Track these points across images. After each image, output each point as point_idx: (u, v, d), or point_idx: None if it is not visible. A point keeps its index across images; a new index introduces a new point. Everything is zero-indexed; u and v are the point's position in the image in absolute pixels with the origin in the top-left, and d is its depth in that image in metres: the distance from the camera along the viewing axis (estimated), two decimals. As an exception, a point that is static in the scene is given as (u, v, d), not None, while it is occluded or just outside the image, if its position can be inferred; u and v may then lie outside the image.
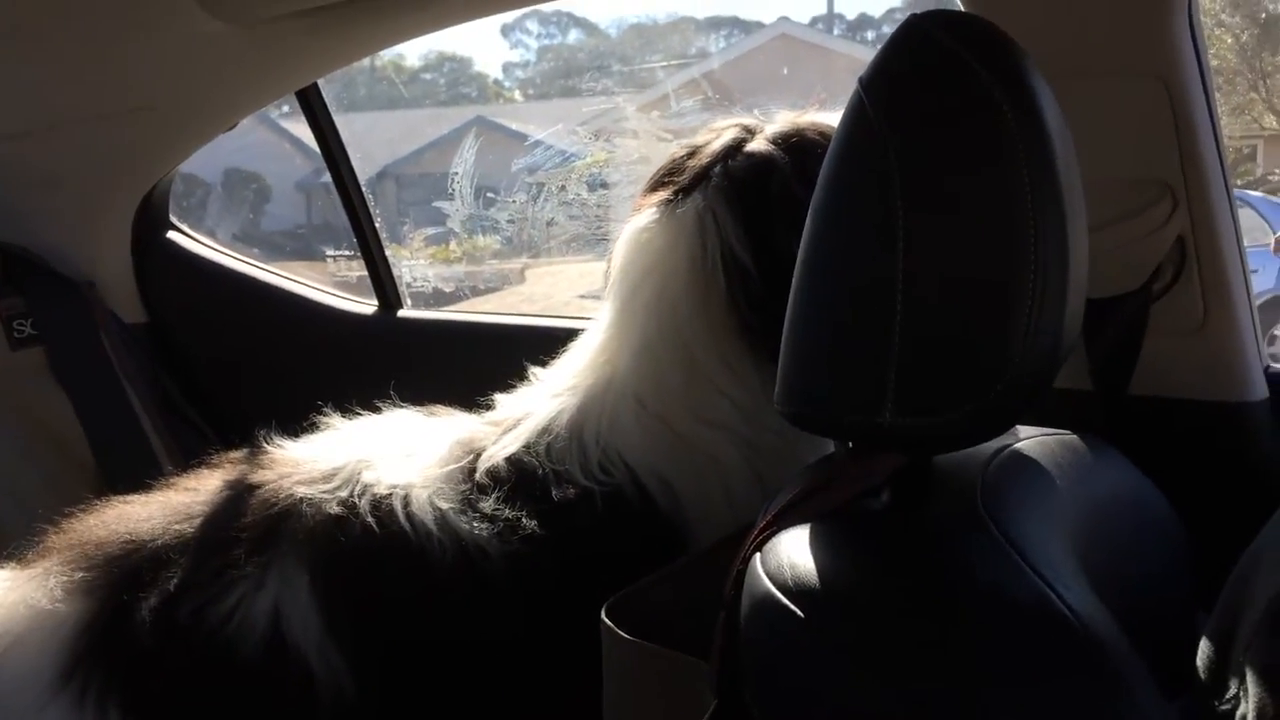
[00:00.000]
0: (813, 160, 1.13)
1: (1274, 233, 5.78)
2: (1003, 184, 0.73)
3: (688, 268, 1.19)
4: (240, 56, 1.83)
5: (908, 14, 0.81)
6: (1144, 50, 1.15)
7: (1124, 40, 1.16)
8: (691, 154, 1.25)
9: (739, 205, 1.18)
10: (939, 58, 0.76)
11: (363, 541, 1.12)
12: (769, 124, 1.24)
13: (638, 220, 1.25)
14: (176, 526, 1.16)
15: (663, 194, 1.24)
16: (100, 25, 1.75)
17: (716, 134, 1.25)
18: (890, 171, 0.75)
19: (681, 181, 1.23)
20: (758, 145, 1.21)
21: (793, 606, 0.73)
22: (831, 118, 1.22)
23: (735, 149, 1.22)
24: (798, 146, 1.19)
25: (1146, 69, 1.15)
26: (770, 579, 0.76)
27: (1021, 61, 0.76)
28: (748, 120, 1.26)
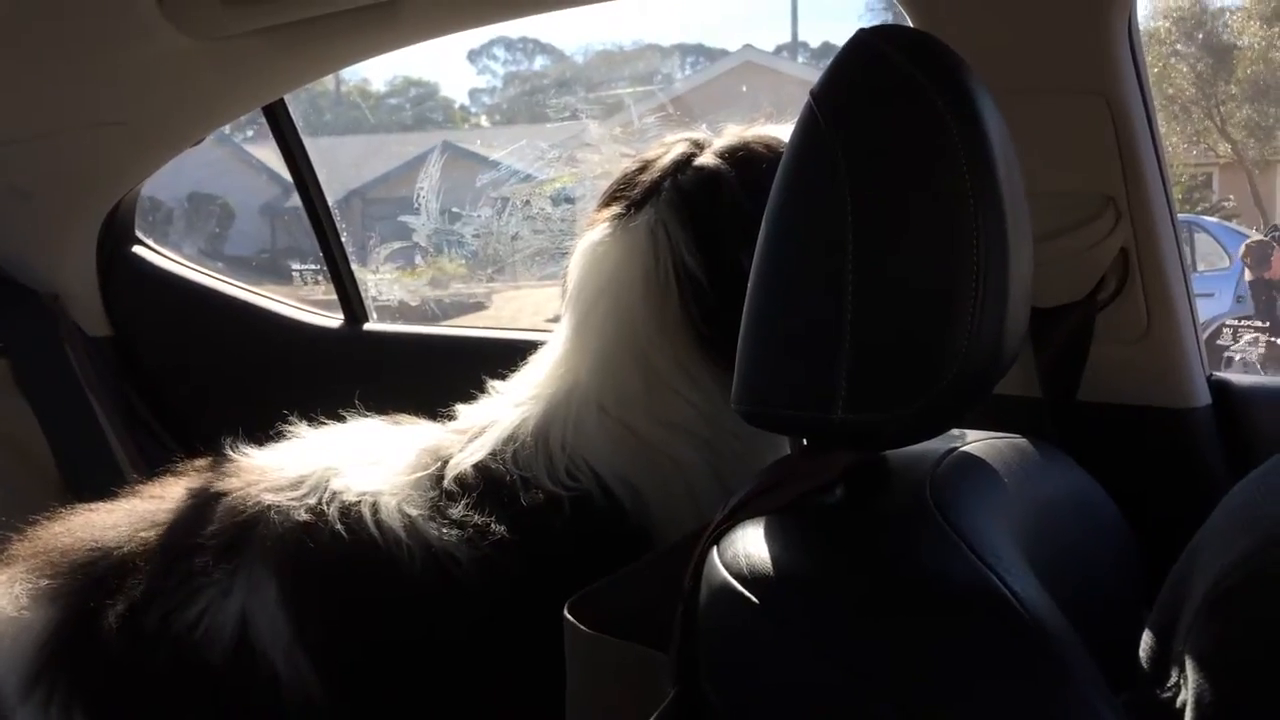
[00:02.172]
0: (758, 173, 1.17)
1: (1229, 257, 5.89)
2: (946, 190, 0.76)
3: (642, 280, 1.22)
4: (207, 72, 1.85)
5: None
6: (1086, 68, 1.19)
7: (1066, 58, 1.20)
8: (642, 169, 1.28)
9: (689, 218, 1.21)
10: (886, 70, 0.79)
11: (331, 548, 1.12)
12: (717, 138, 1.27)
13: (592, 235, 1.27)
14: (142, 534, 1.16)
15: (615, 208, 1.27)
16: (68, 40, 1.76)
17: (666, 149, 1.28)
18: (839, 178, 0.78)
19: (633, 196, 1.26)
20: (706, 159, 1.24)
21: (748, 594, 0.76)
22: (778, 130, 1.26)
23: (684, 163, 1.24)
24: (744, 160, 1.22)
25: (1088, 86, 1.19)
26: (727, 569, 0.79)
27: (965, 74, 0.80)
28: (696, 135, 1.28)
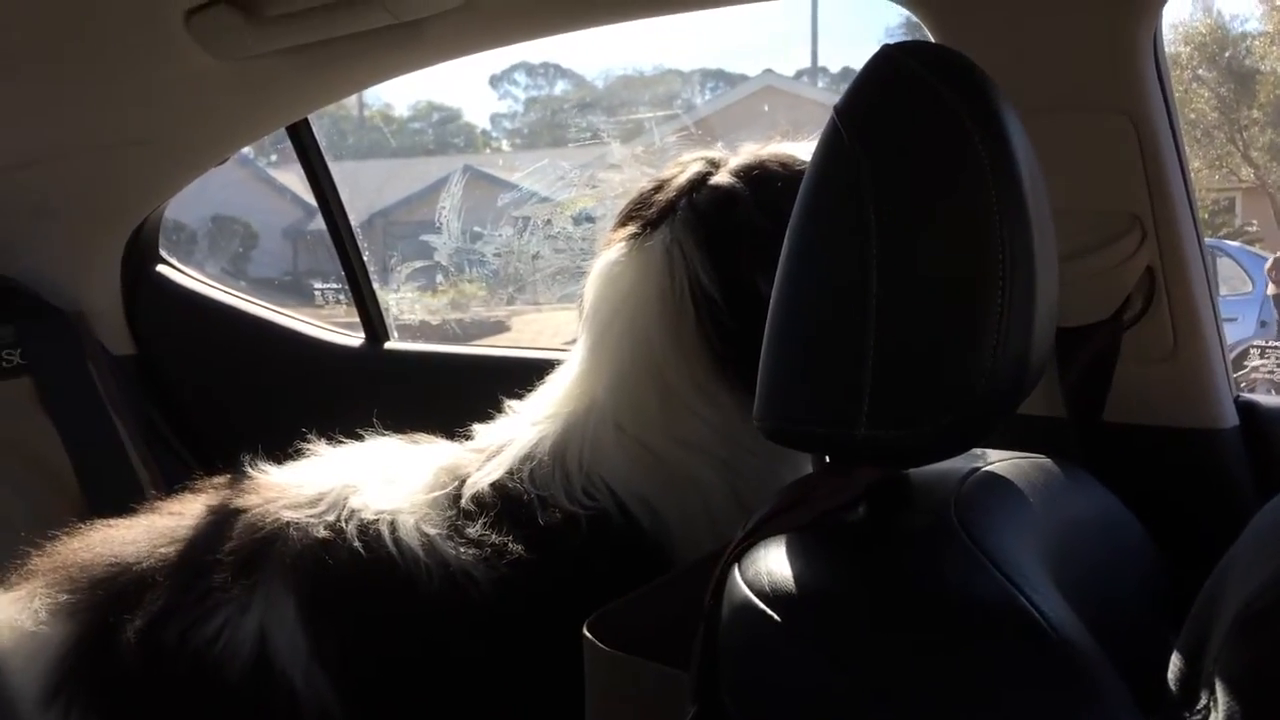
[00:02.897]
0: (773, 191, 1.17)
1: (1252, 281, 5.85)
2: (971, 206, 0.75)
3: (658, 299, 1.22)
4: (232, 92, 1.86)
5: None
6: (1111, 86, 1.18)
7: (1091, 77, 1.19)
8: (658, 188, 1.28)
9: (704, 238, 1.21)
10: (910, 85, 0.79)
11: (350, 566, 1.12)
12: (733, 157, 1.27)
13: (608, 255, 1.27)
14: (162, 549, 1.17)
15: (631, 228, 1.27)
16: (94, 60, 1.78)
17: (682, 168, 1.28)
18: (864, 193, 0.78)
19: (649, 216, 1.26)
20: (721, 178, 1.24)
21: (770, 612, 0.75)
22: (794, 147, 1.26)
23: (700, 182, 1.24)
24: (759, 179, 1.22)
25: (1114, 105, 1.19)
26: (749, 586, 0.78)
27: (989, 89, 0.79)
28: (712, 153, 1.29)
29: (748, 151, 1.27)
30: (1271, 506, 0.82)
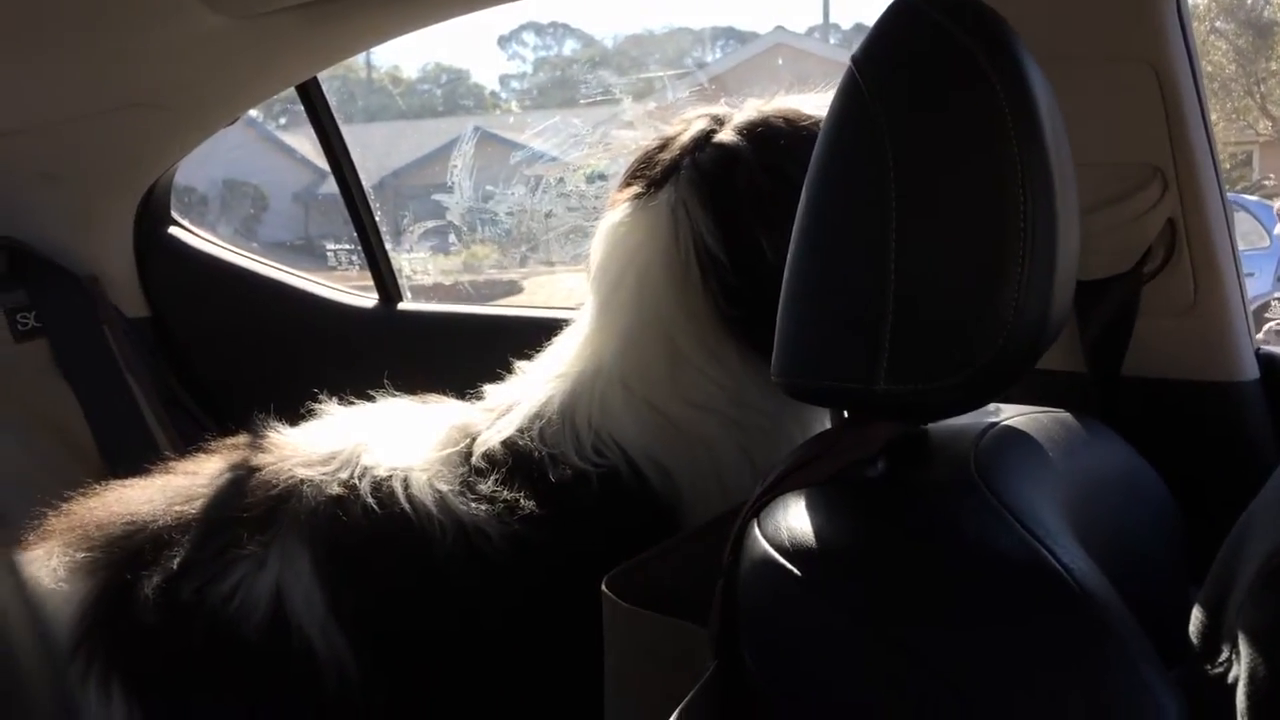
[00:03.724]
0: (776, 149, 1.16)
1: (1269, 236, 5.80)
2: (992, 155, 0.74)
3: (664, 260, 1.21)
4: (240, 51, 1.85)
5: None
6: (1133, 36, 1.16)
7: (1113, 26, 1.17)
8: (662, 146, 1.27)
9: (708, 197, 1.20)
10: (929, 33, 0.78)
11: (364, 522, 1.13)
12: (737, 113, 1.25)
13: (613, 215, 1.27)
14: (177, 508, 1.17)
15: (636, 188, 1.26)
16: (101, 22, 1.77)
17: (686, 125, 1.27)
18: (883, 144, 0.77)
19: (653, 175, 1.25)
20: (725, 136, 1.22)
21: (790, 566, 0.75)
22: (800, 101, 1.24)
23: (704, 140, 1.23)
24: (762, 135, 1.21)
25: (1135, 54, 1.17)
26: (768, 541, 0.77)
27: (1010, 37, 0.78)
28: (717, 109, 1.27)
29: (752, 107, 1.26)
30: None
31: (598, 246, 1.28)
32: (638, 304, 1.22)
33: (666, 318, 1.21)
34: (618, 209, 1.26)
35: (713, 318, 1.20)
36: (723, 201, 1.19)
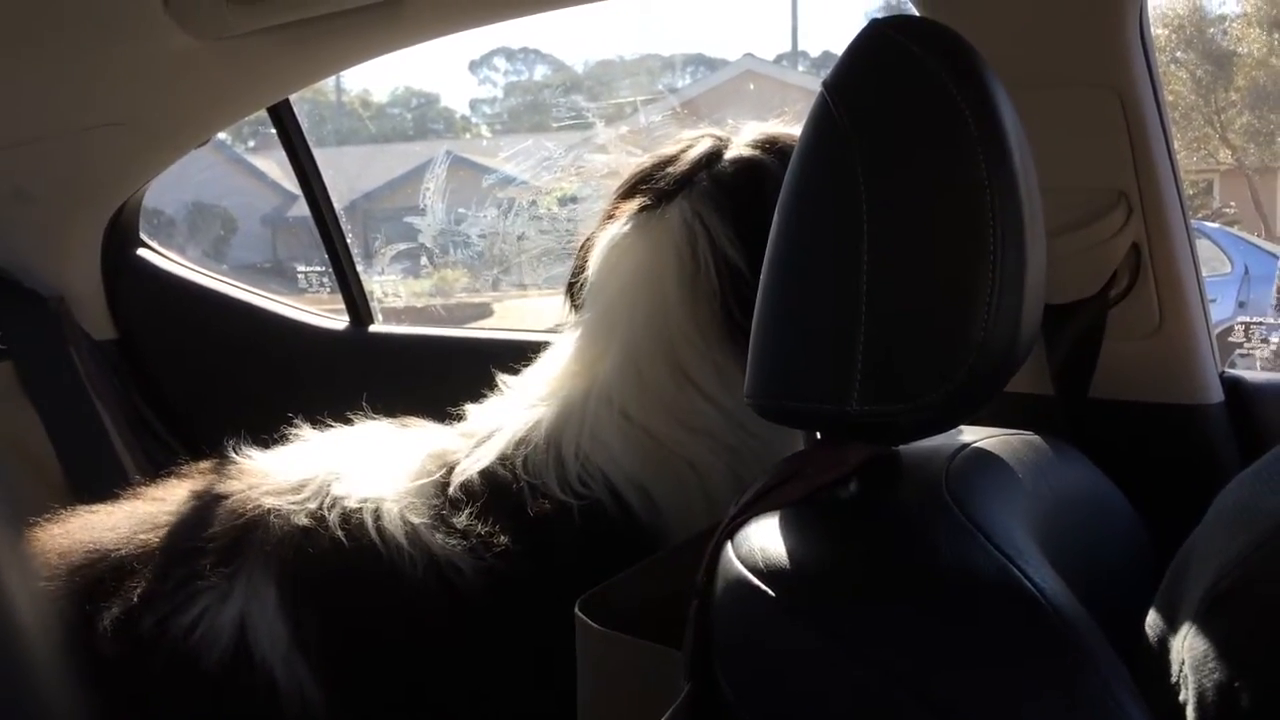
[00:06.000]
0: None
1: (1231, 262, 5.88)
2: (962, 180, 0.75)
3: (675, 274, 1.19)
4: (212, 72, 1.84)
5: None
6: (1097, 62, 1.18)
7: (1078, 52, 1.19)
8: (665, 163, 1.25)
9: (729, 208, 1.19)
10: (899, 59, 0.79)
11: (332, 554, 1.10)
12: (739, 134, 1.25)
13: (612, 229, 1.24)
14: (141, 536, 1.14)
15: (636, 202, 1.24)
16: (71, 40, 1.76)
17: (688, 144, 1.26)
18: (854, 168, 0.77)
19: (660, 188, 1.23)
20: (742, 151, 1.22)
21: (764, 587, 0.75)
22: (798, 129, 1.25)
23: (715, 155, 1.22)
24: (782, 150, 1.20)
25: (1100, 80, 1.19)
26: (742, 562, 0.78)
27: (978, 63, 0.79)
28: (718, 131, 1.27)
29: (754, 128, 1.26)
30: (1237, 482, 0.82)
31: (595, 261, 1.25)
32: (642, 319, 1.19)
33: (675, 334, 1.18)
34: (618, 221, 1.24)
35: (724, 336, 1.18)
36: (746, 212, 1.18)
